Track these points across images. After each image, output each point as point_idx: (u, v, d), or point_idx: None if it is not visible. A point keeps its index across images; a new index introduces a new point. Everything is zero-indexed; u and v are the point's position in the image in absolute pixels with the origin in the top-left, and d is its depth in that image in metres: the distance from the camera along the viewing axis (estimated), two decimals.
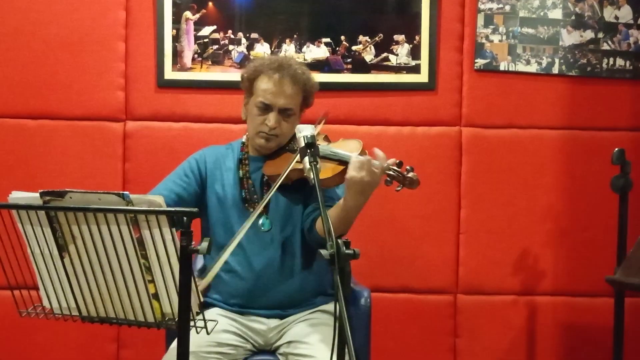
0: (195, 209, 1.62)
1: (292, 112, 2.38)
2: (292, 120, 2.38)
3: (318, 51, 3.13)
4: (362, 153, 2.24)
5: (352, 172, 2.15)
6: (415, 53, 3.13)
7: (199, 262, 2.56)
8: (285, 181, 2.26)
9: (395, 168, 2.20)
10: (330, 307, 2.35)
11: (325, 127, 2.49)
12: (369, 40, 3.13)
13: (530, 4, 3.14)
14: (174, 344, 2.05)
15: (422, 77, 3.13)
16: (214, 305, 2.38)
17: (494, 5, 3.12)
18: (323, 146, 2.30)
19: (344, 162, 2.22)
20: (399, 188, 2.24)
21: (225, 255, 2.16)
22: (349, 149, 2.28)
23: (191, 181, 2.42)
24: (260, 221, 2.36)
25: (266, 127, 2.36)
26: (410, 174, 2.21)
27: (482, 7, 3.12)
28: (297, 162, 2.19)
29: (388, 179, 2.21)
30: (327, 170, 2.24)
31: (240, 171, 2.44)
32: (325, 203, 1.82)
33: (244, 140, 2.50)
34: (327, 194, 2.32)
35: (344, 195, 2.22)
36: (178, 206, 2.23)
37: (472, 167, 3.14)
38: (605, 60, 3.15)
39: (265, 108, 2.36)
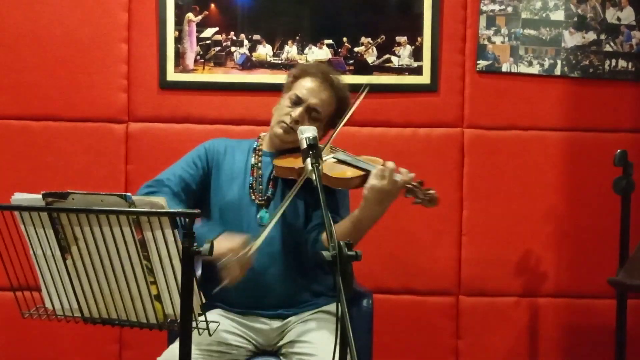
0: (197, 210, 1.63)
1: (319, 116, 2.41)
2: (315, 125, 2.38)
3: (320, 53, 3.13)
4: None
5: (373, 180, 2.18)
6: (417, 54, 3.13)
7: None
8: (294, 176, 2.29)
9: (415, 183, 2.23)
10: (332, 307, 2.35)
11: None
12: (371, 41, 3.13)
13: (532, 6, 3.13)
14: (175, 343, 2.05)
15: (424, 78, 3.13)
16: (215, 307, 2.39)
17: (496, 7, 3.12)
18: (347, 154, 2.38)
19: (364, 170, 2.26)
20: (416, 201, 2.26)
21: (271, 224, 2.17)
22: (370, 161, 2.33)
23: (198, 169, 2.44)
24: (259, 214, 2.37)
25: (289, 117, 2.38)
26: (431, 191, 2.24)
27: (484, 8, 3.12)
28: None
29: (407, 192, 2.25)
30: (347, 171, 2.29)
31: (253, 159, 2.45)
32: (326, 207, 1.83)
33: (261, 135, 2.53)
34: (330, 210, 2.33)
35: (360, 205, 2.23)
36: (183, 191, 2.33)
37: (474, 169, 3.14)
38: (608, 62, 3.14)
39: (297, 102, 2.40)
